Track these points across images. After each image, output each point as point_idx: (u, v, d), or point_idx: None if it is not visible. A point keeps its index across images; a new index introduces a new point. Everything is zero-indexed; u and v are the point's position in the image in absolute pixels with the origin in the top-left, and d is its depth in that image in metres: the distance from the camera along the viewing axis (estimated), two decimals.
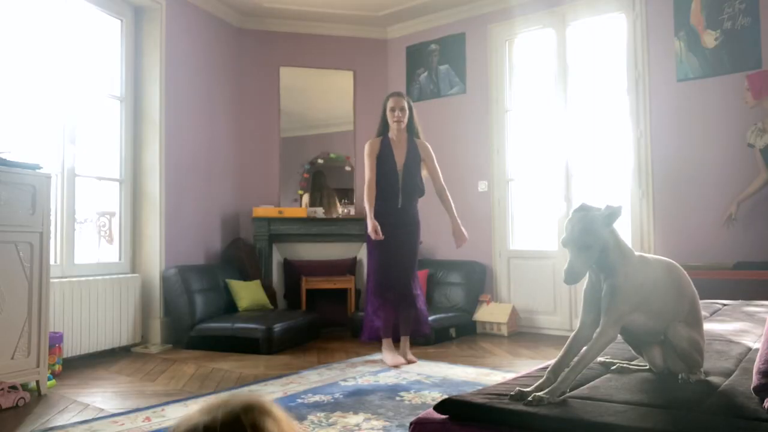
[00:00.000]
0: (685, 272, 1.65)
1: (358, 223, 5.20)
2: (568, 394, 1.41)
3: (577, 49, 4.97)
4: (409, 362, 3.68)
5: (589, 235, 1.45)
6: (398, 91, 4.01)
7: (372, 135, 3.93)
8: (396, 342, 3.80)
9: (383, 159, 3.76)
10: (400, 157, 3.78)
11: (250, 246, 5.30)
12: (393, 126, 3.78)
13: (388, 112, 3.79)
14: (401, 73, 5.81)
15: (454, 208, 3.84)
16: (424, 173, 3.89)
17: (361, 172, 4.70)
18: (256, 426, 0.72)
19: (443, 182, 3.88)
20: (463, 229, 3.81)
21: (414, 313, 3.76)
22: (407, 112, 3.79)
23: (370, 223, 3.63)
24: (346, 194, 5.75)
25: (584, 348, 1.52)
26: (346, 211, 5.57)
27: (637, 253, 1.60)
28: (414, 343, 4.11)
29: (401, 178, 3.75)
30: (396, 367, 3.58)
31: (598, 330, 1.50)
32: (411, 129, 3.84)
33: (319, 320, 4.87)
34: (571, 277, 1.46)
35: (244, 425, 0.72)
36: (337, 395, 2.93)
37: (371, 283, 3.77)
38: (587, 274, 1.55)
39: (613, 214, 1.48)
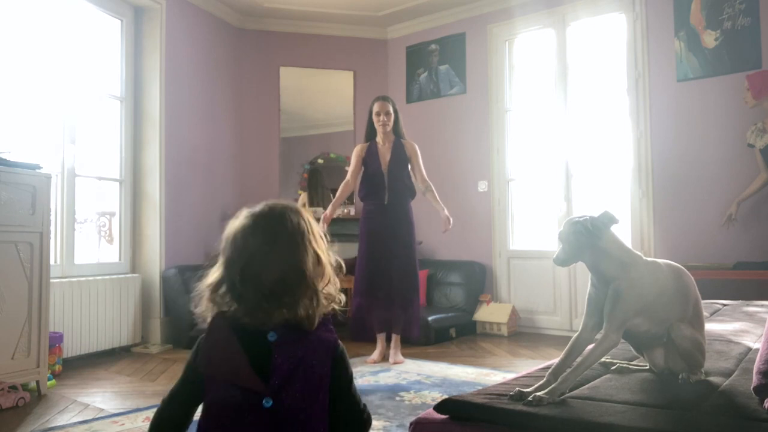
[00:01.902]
0: (691, 276, 1.65)
1: (357, 223, 5.19)
2: (568, 395, 1.41)
3: (577, 49, 4.97)
4: (395, 363, 3.67)
5: (562, 233, 1.61)
6: (383, 95, 4.07)
7: None
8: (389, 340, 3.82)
9: (369, 161, 3.87)
10: (385, 158, 3.87)
11: None
12: (378, 129, 3.88)
13: (373, 117, 3.89)
14: (401, 73, 5.81)
15: (438, 199, 3.90)
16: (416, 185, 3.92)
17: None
18: (294, 219, 1.07)
19: (427, 178, 3.92)
20: (449, 216, 3.86)
21: (403, 315, 3.75)
22: (392, 115, 3.89)
23: (326, 213, 3.77)
24: None
25: (586, 350, 1.52)
26: (346, 211, 5.57)
27: (648, 259, 1.60)
28: (414, 344, 4.11)
29: (387, 177, 3.83)
30: (374, 362, 3.69)
31: (600, 334, 1.51)
32: (397, 131, 3.93)
33: None
34: (556, 259, 1.63)
35: (286, 215, 1.06)
36: None
37: (358, 282, 3.77)
38: (590, 279, 1.59)
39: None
